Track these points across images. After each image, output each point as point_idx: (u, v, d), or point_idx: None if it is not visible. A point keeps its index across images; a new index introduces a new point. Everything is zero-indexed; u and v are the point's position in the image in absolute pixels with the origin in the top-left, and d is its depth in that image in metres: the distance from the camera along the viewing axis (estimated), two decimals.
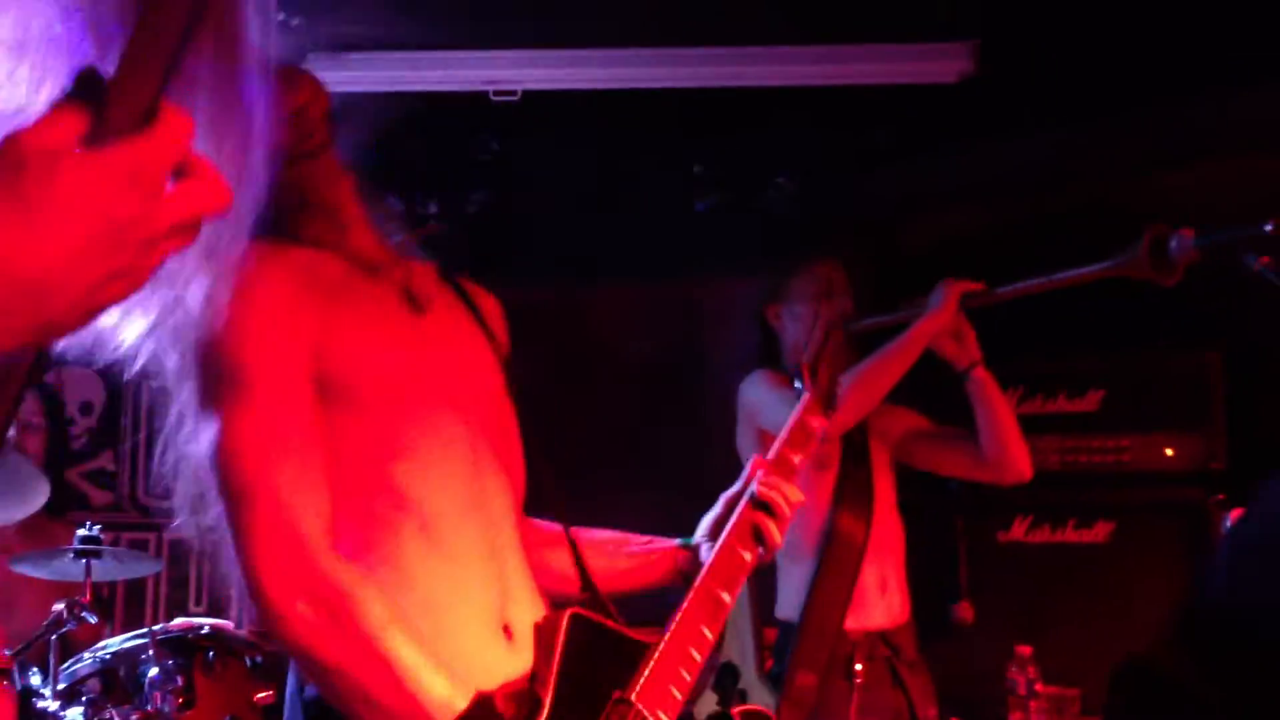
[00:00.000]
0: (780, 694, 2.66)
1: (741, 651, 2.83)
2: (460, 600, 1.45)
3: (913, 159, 3.67)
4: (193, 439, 1.40)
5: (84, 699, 2.48)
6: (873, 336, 2.90)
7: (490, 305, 1.72)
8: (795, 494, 1.71)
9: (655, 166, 3.99)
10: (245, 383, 1.37)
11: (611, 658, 1.50)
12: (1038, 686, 3.11)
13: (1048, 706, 3.10)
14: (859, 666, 2.76)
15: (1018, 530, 3.38)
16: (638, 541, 1.76)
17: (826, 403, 1.90)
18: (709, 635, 1.56)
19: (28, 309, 0.66)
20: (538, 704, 1.42)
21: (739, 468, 2.93)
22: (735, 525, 1.66)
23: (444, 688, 1.33)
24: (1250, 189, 3.07)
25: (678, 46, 3.49)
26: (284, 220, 1.48)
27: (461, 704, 1.33)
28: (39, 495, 2.09)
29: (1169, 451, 3.29)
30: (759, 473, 1.73)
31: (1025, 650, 3.15)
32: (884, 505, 2.91)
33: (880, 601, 2.84)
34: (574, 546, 1.65)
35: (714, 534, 1.72)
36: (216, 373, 1.39)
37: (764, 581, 2.93)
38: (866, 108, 3.59)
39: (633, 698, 1.46)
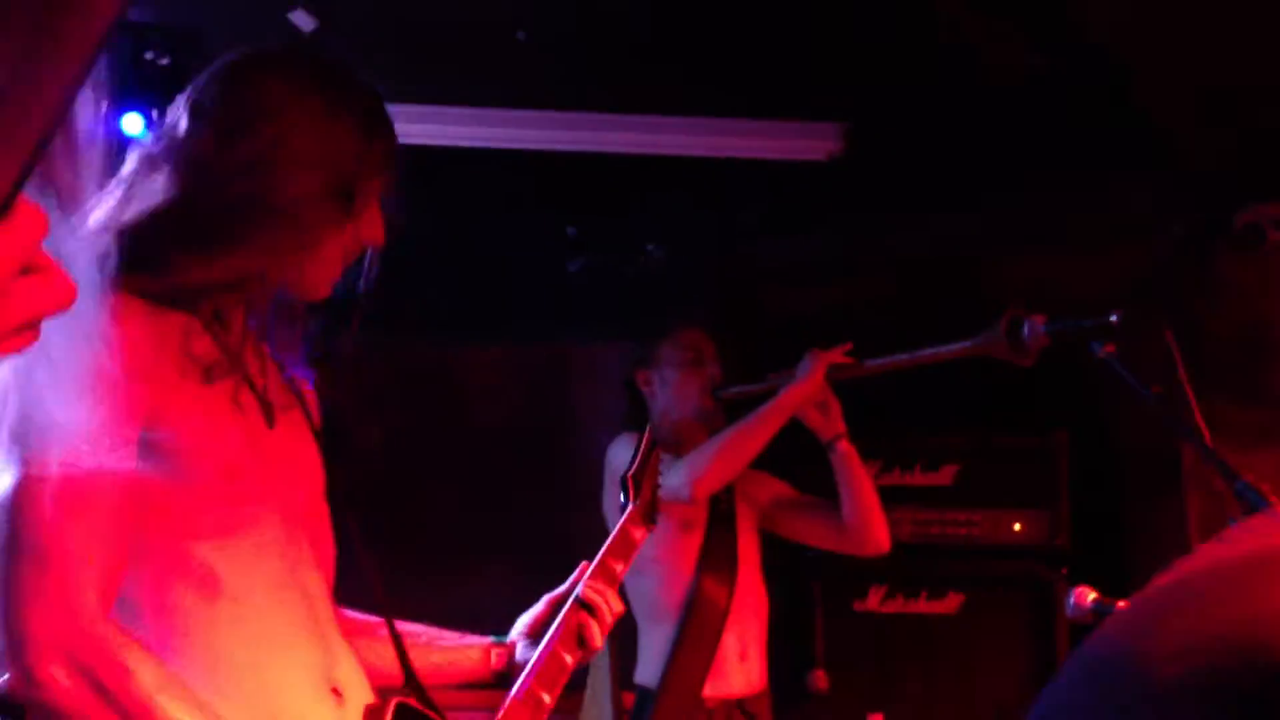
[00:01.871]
0: None
1: (599, 716, 2.80)
2: (284, 662, 1.41)
3: (783, 233, 3.77)
4: None
5: None
6: (740, 405, 2.95)
7: (310, 396, 1.67)
8: (618, 603, 1.74)
9: (528, 227, 4.00)
10: (59, 425, 1.30)
11: None
12: None
13: None
14: None
15: (873, 599, 3.45)
16: (450, 636, 1.75)
17: (648, 515, 1.95)
18: None
19: None
20: None
21: (605, 531, 2.96)
22: (560, 627, 1.68)
23: None
24: (1106, 278, 3.24)
25: (557, 110, 3.53)
26: (200, 253, 1.40)
27: None
28: None
29: (1017, 527, 3.42)
30: (584, 577, 1.75)
31: (877, 718, 3.21)
32: (748, 571, 2.95)
33: (740, 668, 2.86)
34: (396, 638, 1.62)
35: (532, 633, 1.73)
36: (29, 412, 1.27)
37: (624, 644, 2.93)
38: (740, 180, 3.68)
39: None
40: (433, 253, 3.84)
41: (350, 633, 1.59)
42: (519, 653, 1.72)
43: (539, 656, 1.65)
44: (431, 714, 1.53)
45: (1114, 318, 2.38)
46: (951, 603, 3.41)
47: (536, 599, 1.81)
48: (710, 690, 2.78)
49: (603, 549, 1.83)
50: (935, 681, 3.36)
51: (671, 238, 4.00)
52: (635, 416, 3.10)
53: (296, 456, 1.54)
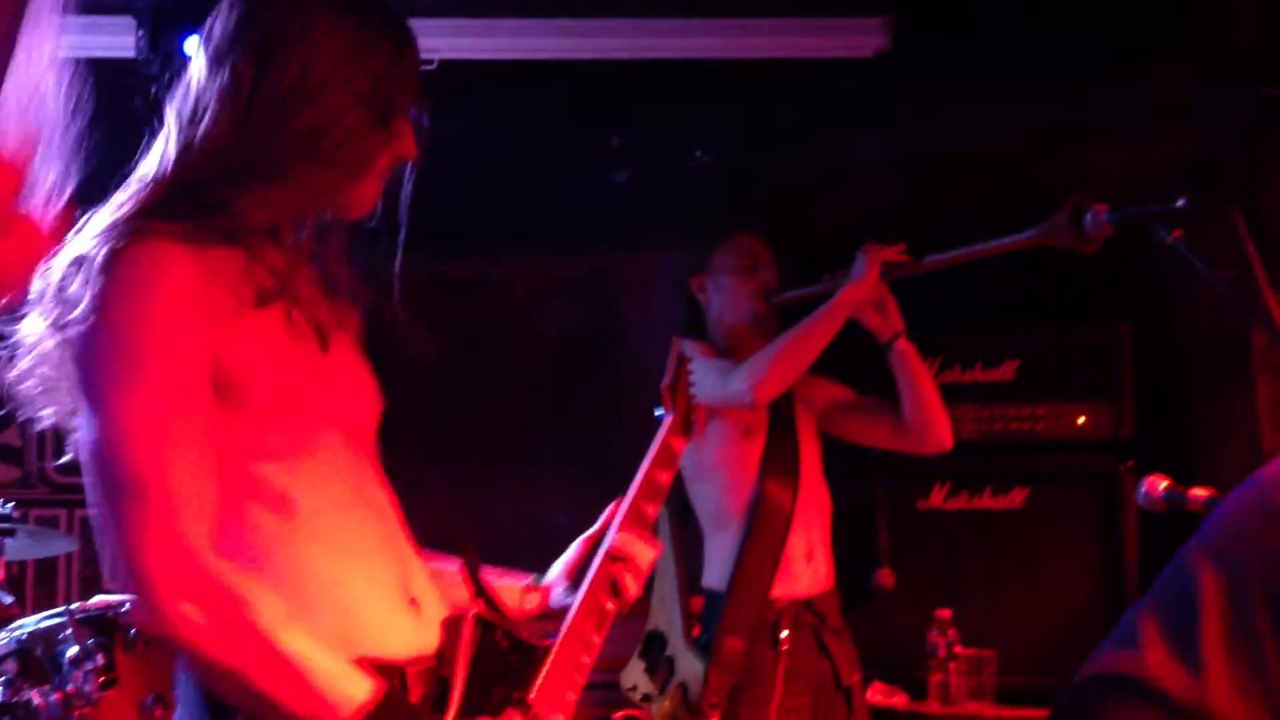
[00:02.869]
0: (708, 660, 2.67)
1: (668, 620, 2.83)
2: (362, 576, 1.42)
3: (833, 132, 3.70)
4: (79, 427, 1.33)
5: (0, 680, 2.39)
6: (795, 309, 2.93)
7: (356, 320, 1.65)
8: (648, 553, 1.71)
9: (573, 139, 3.96)
10: (139, 368, 1.30)
11: (511, 660, 1.51)
12: (957, 649, 3.19)
13: (967, 668, 3.19)
14: (785, 634, 2.79)
15: (936, 498, 3.45)
16: (489, 573, 1.73)
17: (686, 425, 1.93)
18: (596, 641, 1.60)
19: None
20: (445, 687, 1.42)
21: None
22: (594, 579, 1.67)
23: (349, 683, 1.30)
24: (1164, 166, 3.17)
25: (597, 18, 3.47)
26: (249, 190, 1.41)
27: (367, 697, 1.29)
28: None
29: (1081, 420, 3.38)
30: (616, 519, 1.74)
31: (945, 614, 3.23)
32: (810, 473, 2.95)
33: (806, 569, 2.87)
34: (469, 562, 1.63)
35: (569, 576, 1.73)
36: (109, 357, 1.31)
37: (690, 551, 2.95)
38: (785, 81, 3.61)
39: (531, 698, 1.49)
40: (479, 169, 3.82)
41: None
42: (555, 598, 1.73)
43: (578, 606, 1.64)
44: (506, 626, 1.54)
45: (1181, 202, 2.33)
46: (1016, 498, 3.40)
47: (596, 509, 1.81)
48: (778, 591, 2.79)
49: (644, 463, 1.82)
50: (1001, 577, 3.36)
51: (718, 143, 3.95)
52: (692, 323, 3.09)
53: (353, 378, 1.55)
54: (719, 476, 2.90)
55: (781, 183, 3.91)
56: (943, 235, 2.83)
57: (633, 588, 1.68)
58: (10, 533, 2.59)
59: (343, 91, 1.42)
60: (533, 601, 1.73)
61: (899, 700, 3.27)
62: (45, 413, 1.41)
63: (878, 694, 3.26)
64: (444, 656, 1.45)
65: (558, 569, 1.75)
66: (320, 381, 1.46)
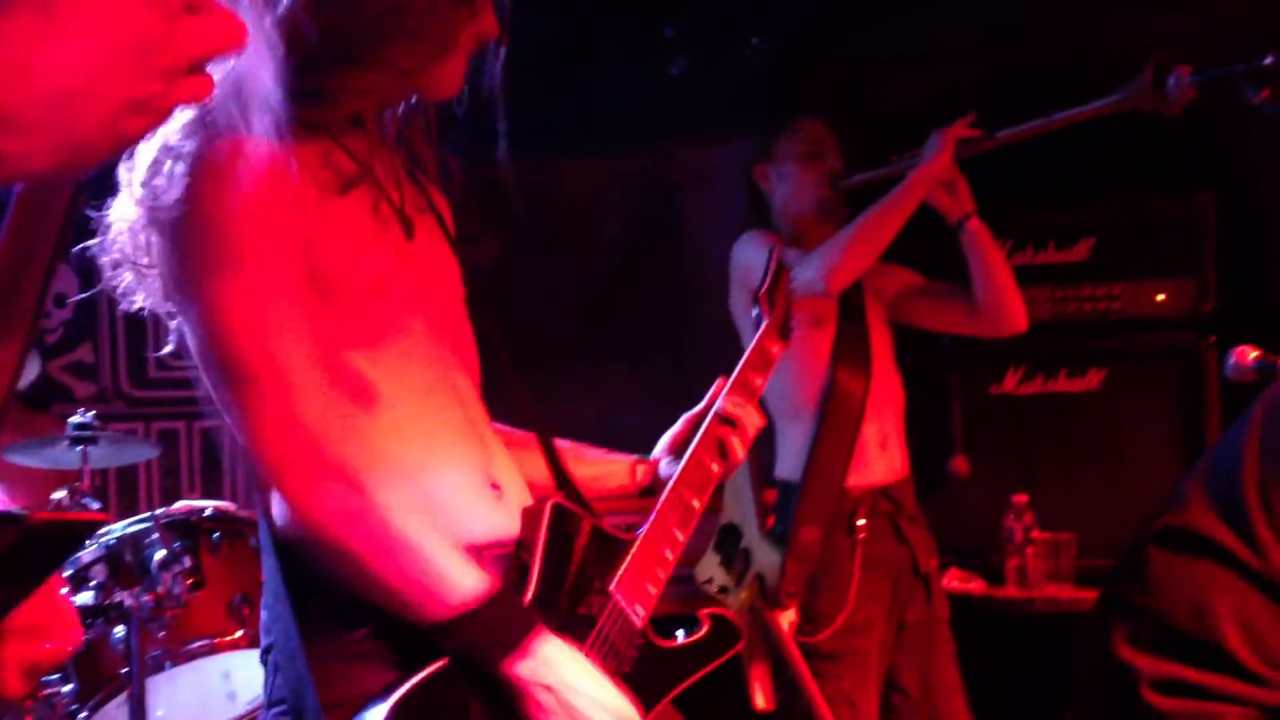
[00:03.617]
0: (784, 550, 2.67)
1: (743, 513, 2.82)
2: (445, 462, 1.44)
3: (896, 9, 3.57)
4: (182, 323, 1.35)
5: (92, 584, 2.45)
6: (861, 195, 2.86)
7: (444, 207, 1.67)
8: (756, 418, 1.73)
9: (627, 32, 3.86)
10: (235, 261, 1.31)
11: (591, 549, 1.51)
12: (1034, 533, 3.16)
13: (1044, 551, 3.16)
14: (861, 522, 2.78)
15: (1010, 382, 3.39)
16: (596, 452, 1.77)
17: (783, 330, 1.90)
18: (680, 538, 1.59)
19: (54, 124, 0.66)
20: (524, 572, 1.43)
21: (727, 333, 2.93)
22: (702, 438, 1.68)
23: (465, 573, 1.31)
24: (1245, 28, 3.01)
25: None
26: (327, 83, 1.39)
27: (480, 590, 1.31)
28: (27, 370, 2.03)
29: (1160, 297, 3.29)
30: (723, 392, 1.74)
31: (1021, 499, 3.19)
32: (882, 362, 2.90)
33: (880, 457, 2.85)
34: (549, 448, 1.65)
35: (674, 450, 1.73)
36: (203, 252, 1.32)
37: (763, 443, 2.93)
38: None
39: (611, 588, 1.50)
40: (533, 68, 3.74)
41: (508, 446, 1.61)
42: (663, 469, 1.74)
43: (684, 465, 1.65)
44: (588, 515, 1.55)
45: (1269, 60, 2.23)
46: (1092, 379, 3.32)
47: (662, 406, 1.82)
48: (853, 479, 2.77)
49: (740, 363, 1.81)
50: (1078, 459, 3.30)
51: (774, 29, 3.83)
52: (756, 214, 3.03)
53: (435, 265, 1.55)
54: (790, 367, 2.86)
55: (842, 66, 3.79)
56: (1014, 111, 2.73)
57: (739, 451, 1.69)
58: (93, 440, 2.64)
59: None
60: (642, 474, 1.74)
61: (976, 586, 3.25)
62: (139, 299, 1.41)
63: (954, 580, 3.24)
64: (524, 543, 1.47)
65: (663, 443, 1.76)
66: (404, 268, 1.46)
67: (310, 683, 1.32)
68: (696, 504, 1.63)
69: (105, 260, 1.40)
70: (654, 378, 3.81)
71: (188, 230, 1.31)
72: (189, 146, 1.31)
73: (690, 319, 3.81)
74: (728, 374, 1.78)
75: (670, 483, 1.63)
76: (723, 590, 2.83)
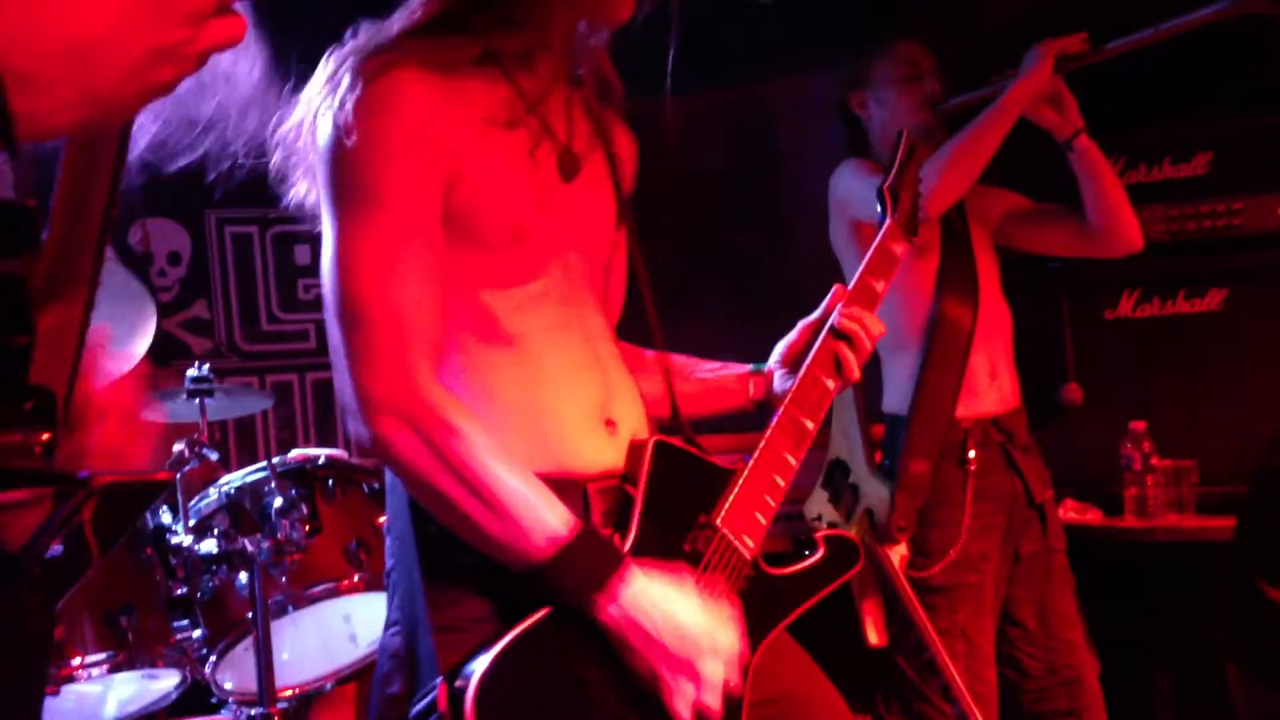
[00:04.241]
0: (893, 484, 2.63)
1: (849, 447, 2.79)
2: (560, 398, 1.45)
3: None
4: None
5: (215, 532, 2.54)
6: (964, 118, 2.77)
7: (626, 147, 1.68)
8: (877, 325, 1.68)
9: None
10: (374, 198, 1.33)
11: (696, 484, 1.51)
12: (1153, 460, 3.07)
13: (1164, 479, 3.06)
14: (972, 453, 2.72)
15: (1125, 306, 3.27)
16: (710, 366, 1.75)
17: (909, 227, 1.84)
18: (792, 461, 1.56)
19: (78, 76, 0.65)
20: (629, 506, 1.44)
21: (828, 265, 2.88)
22: (817, 354, 1.64)
23: (550, 517, 1.32)
24: None
25: None
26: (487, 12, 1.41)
27: (565, 530, 1.32)
28: (150, 317, 2.09)
29: None
30: (839, 303, 1.69)
31: (1138, 426, 3.09)
32: (989, 289, 2.82)
33: (990, 387, 2.78)
34: (668, 375, 1.66)
35: (788, 361, 1.70)
36: (346, 182, 1.35)
37: (869, 376, 2.88)
38: None
39: (717, 522, 1.49)
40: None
41: (630, 368, 1.63)
42: (777, 382, 1.71)
43: (798, 384, 1.62)
44: (692, 449, 1.55)
45: None
46: (1213, 300, 3.19)
47: (762, 343, 1.77)
48: (963, 410, 2.71)
49: (860, 267, 1.76)
50: (1200, 383, 3.18)
51: None
52: (854, 142, 2.96)
53: (589, 208, 1.54)
54: (893, 297, 2.76)
55: None
56: (1125, 22, 2.61)
57: (855, 368, 1.66)
58: (209, 393, 2.73)
59: None
60: (754, 389, 1.72)
61: (1093, 516, 3.17)
62: (287, 188, 1.47)
63: (1070, 511, 3.17)
64: (629, 476, 1.48)
65: (778, 352, 1.73)
66: (553, 213, 1.47)
67: (423, 603, 1.35)
68: (810, 425, 1.59)
69: (279, 152, 1.43)
70: (753, 309, 3.78)
71: (335, 164, 1.35)
72: (348, 78, 1.34)
73: (790, 250, 3.76)
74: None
75: (782, 404, 1.60)
76: (832, 526, 2.81)
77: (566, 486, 1.41)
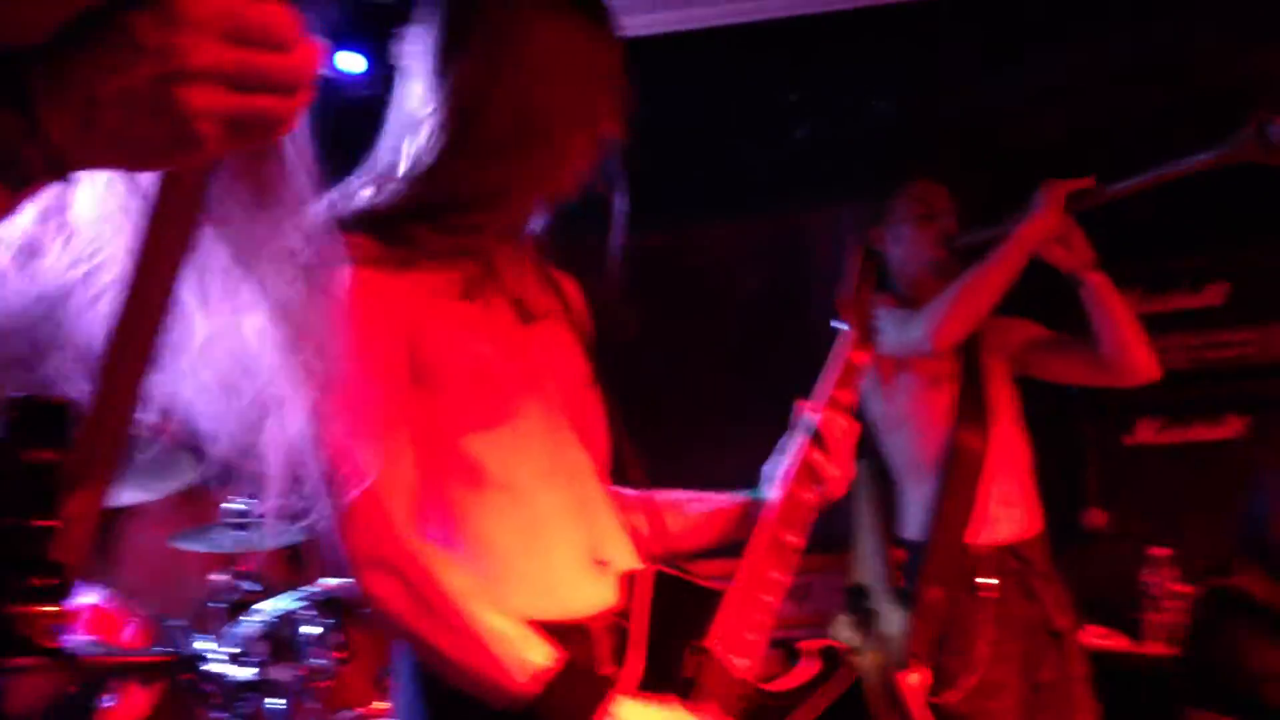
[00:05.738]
0: (910, 610, 2.69)
1: (871, 573, 2.86)
2: (551, 542, 1.50)
3: (1008, 64, 3.58)
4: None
5: (253, 659, 2.64)
6: (979, 254, 2.87)
7: (573, 292, 1.74)
8: (850, 424, 1.70)
9: (749, 99, 3.97)
10: (345, 378, 1.36)
11: (689, 610, 1.54)
12: (1175, 587, 3.08)
13: (1187, 605, 3.06)
14: (990, 581, 2.76)
15: (1146, 433, 3.32)
16: (711, 497, 1.79)
17: (867, 336, 1.87)
18: (779, 579, 1.59)
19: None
20: (625, 641, 1.49)
21: None
22: (794, 470, 1.66)
23: (533, 653, 1.38)
24: None
25: None
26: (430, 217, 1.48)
27: (548, 664, 1.37)
28: (184, 471, 2.23)
29: None
30: (805, 416, 1.72)
31: (1160, 552, 3.12)
32: (1004, 418, 2.89)
33: (1005, 515, 2.83)
34: (652, 512, 1.69)
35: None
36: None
37: (889, 503, 2.96)
38: (954, 17, 3.51)
39: (710, 645, 1.53)
40: (662, 140, 3.88)
41: (622, 508, 1.67)
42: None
43: (777, 501, 1.65)
44: (689, 577, 1.58)
45: None
46: (1232, 427, 3.23)
47: None
48: (978, 539, 2.77)
49: (825, 383, 1.78)
50: (1221, 510, 3.21)
51: (894, 89, 3.88)
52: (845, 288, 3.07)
53: (553, 348, 1.60)
54: (910, 426, 2.90)
55: (962, 122, 3.81)
56: (1140, 156, 2.70)
57: (831, 469, 1.67)
58: (245, 526, 2.85)
59: (562, 83, 1.48)
60: (736, 516, 1.74)
61: (1118, 643, 3.18)
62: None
63: (1093, 636, 3.18)
64: (624, 611, 1.52)
65: (768, 477, 1.75)
66: (517, 354, 1.52)
67: None
68: (793, 540, 1.61)
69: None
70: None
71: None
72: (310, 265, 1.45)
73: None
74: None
75: (760, 523, 1.62)
76: (854, 652, 2.86)
77: (570, 630, 1.46)
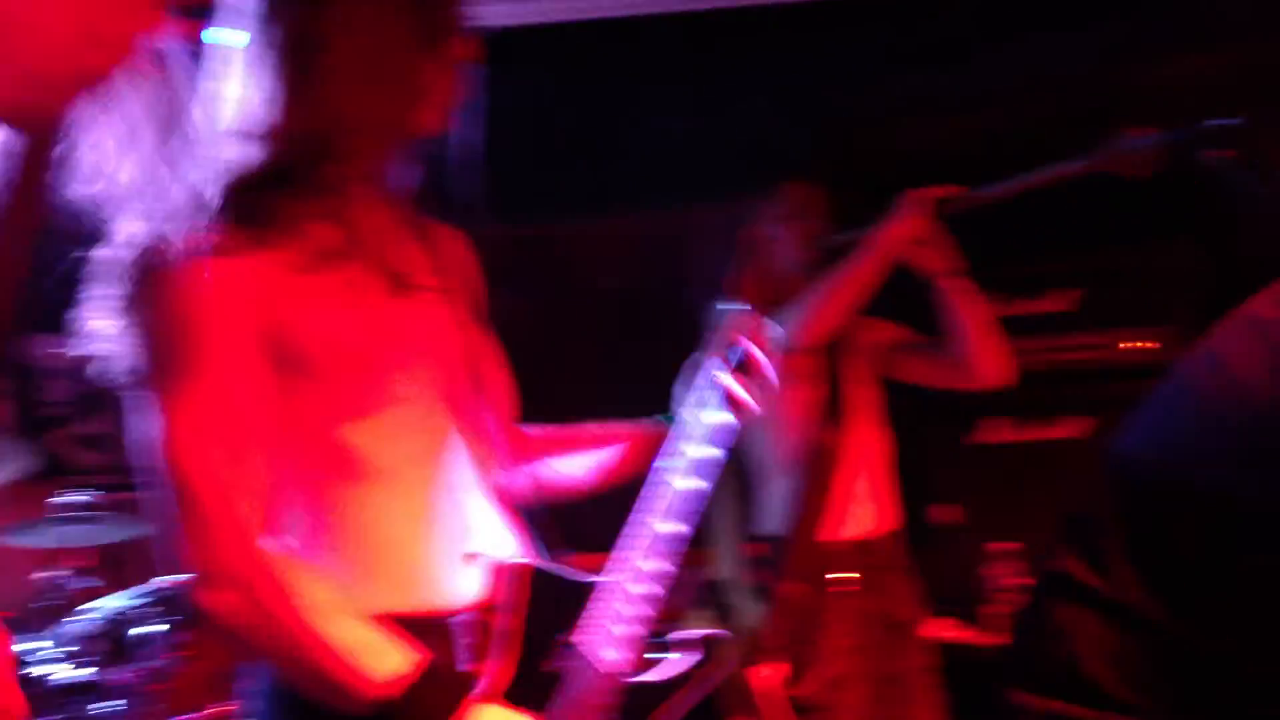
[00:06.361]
0: (767, 605, 2.73)
1: (727, 568, 2.89)
2: (420, 536, 1.47)
3: (886, 74, 3.63)
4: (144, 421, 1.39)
5: (89, 658, 2.55)
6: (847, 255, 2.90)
7: (459, 251, 1.69)
8: (768, 352, 1.72)
9: (629, 95, 3.95)
10: (185, 378, 1.35)
11: (557, 604, 1.53)
12: (1016, 580, 3.19)
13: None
14: (844, 576, 2.82)
15: (998, 432, 3.42)
16: (616, 428, 1.81)
17: (759, 322, 1.85)
18: (649, 569, 1.58)
19: (5, 50, 0.67)
20: (490, 636, 1.47)
21: None
22: (668, 460, 1.65)
23: (388, 661, 1.35)
24: (1225, 82, 3.04)
25: None
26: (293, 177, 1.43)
27: (405, 670, 1.35)
28: (12, 463, 2.11)
29: (1149, 344, 3.31)
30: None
31: (1006, 547, 3.22)
32: (865, 417, 2.95)
33: (862, 511, 2.89)
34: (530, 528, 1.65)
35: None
36: (158, 357, 1.37)
37: (746, 499, 2.99)
38: (837, 22, 3.54)
39: (575, 640, 1.51)
40: (540, 132, 3.84)
41: (536, 449, 1.72)
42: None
43: (647, 491, 1.63)
44: (554, 569, 1.56)
45: (1229, 122, 2.26)
46: (1077, 427, 3.35)
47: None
48: (834, 534, 2.82)
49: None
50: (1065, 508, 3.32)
51: (774, 92, 3.89)
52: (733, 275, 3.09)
53: (432, 324, 1.55)
54: (771, 424, 2.93)
55: (839, 126, 3.85)
56: (1011, 166, 2.76)
57: (752, 397, 1.69)
58: (94, 519, 2.74)
59: (401, 8, 1.45)
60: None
61: (962, 634, 3.28)
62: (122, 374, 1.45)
63: (941, 628, 3.28)
64: (489, 606, 1.49)
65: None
66: (391, 332, 1.47)
67: None
68: (664, 528, 1.60)
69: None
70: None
71: (144, 344, 1.37)
72: (147, 262, 1.35)
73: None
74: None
75: (633, 514, 1.61)
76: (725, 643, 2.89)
77: (431, 624, 1.44)
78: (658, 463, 1.66)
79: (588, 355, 4.18)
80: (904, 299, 2.93)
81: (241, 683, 1.54)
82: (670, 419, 1.73)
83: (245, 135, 1.43)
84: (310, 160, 1.42)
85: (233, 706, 2.61)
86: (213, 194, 1.40)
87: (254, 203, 1.40)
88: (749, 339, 1.75)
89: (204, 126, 1.44)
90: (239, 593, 1.33)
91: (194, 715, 2.54)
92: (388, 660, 1.35)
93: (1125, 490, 1.24)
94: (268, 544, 1.36)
